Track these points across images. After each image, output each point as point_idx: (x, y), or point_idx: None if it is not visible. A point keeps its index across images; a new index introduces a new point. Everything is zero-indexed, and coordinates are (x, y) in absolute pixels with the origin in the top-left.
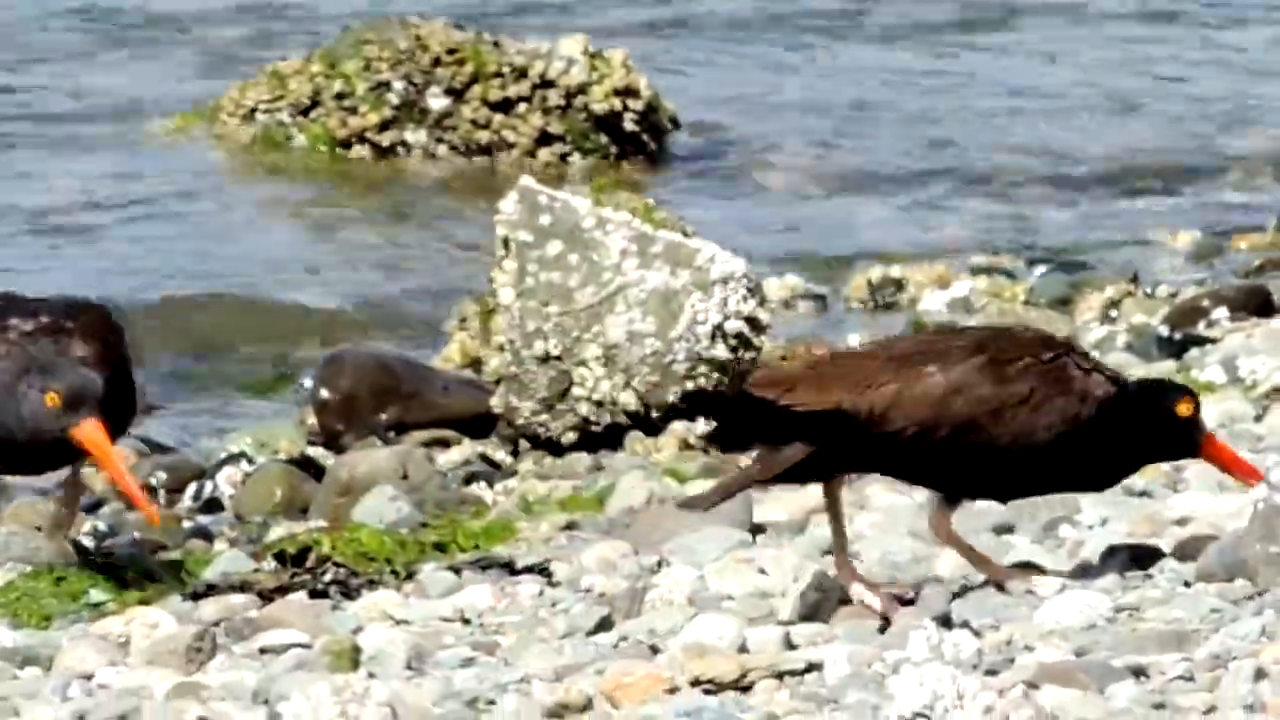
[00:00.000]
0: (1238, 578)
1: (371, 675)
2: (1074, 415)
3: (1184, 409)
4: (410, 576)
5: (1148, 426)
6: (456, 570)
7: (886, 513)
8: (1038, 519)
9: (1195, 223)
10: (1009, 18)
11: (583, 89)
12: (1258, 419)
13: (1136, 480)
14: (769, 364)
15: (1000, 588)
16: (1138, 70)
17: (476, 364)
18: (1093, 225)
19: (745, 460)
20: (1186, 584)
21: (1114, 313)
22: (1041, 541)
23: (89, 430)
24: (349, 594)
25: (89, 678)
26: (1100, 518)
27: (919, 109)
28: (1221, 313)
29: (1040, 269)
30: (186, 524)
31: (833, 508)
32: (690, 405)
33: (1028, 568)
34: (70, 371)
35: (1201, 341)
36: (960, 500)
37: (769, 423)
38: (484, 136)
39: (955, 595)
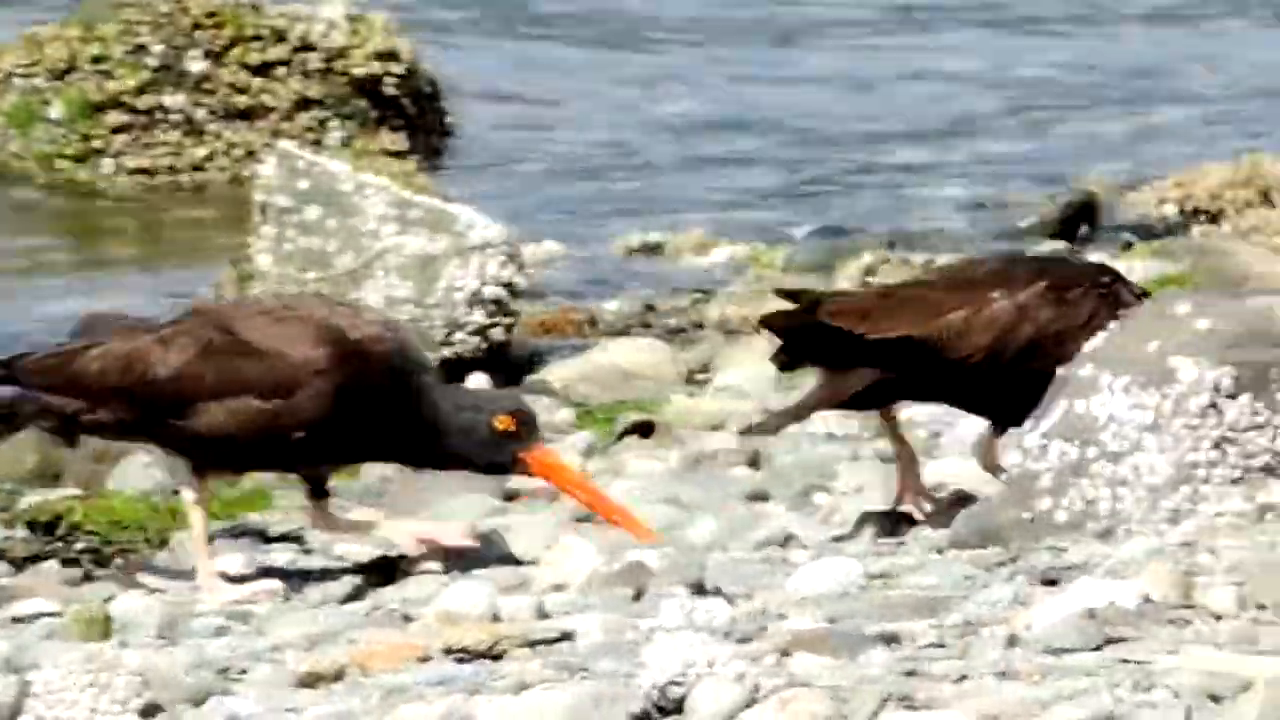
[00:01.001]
0: (990, 544)
1: (123, 644)
2: None
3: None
4: (164, 544)
5: None
6: (209, 538)
7: (643, 479)
8: (793, 486)
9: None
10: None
11: (343, 53)
12: None
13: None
14: (840, 293)
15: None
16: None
17: None
18: (859, 194)
19: None
20: (939, 550)
21: (871, 279)
22: (798, 509)
23: (546, 457)
24: (102, 562)
25: None
26: (855, 485)
27: (690, 89)
28: None
29: (800, 234)
30: None
31: (894, 431)
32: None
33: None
34: (507, 395)
35: None
36: (1014, 428)
37: (839, 349)
38: (243, 101)
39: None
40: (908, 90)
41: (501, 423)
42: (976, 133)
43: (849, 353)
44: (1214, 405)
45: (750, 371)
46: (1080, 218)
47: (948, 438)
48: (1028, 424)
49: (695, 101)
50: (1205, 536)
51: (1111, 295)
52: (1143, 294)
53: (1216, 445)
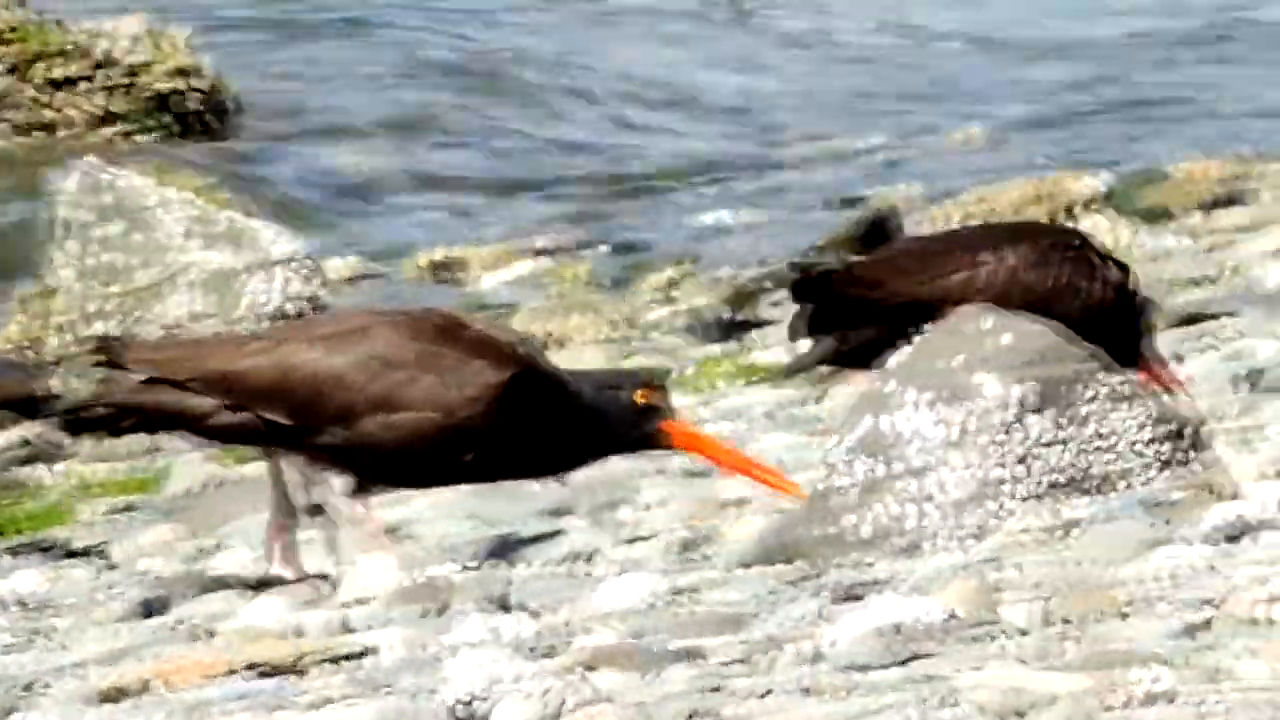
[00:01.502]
0: (794, 559)
1: None
2: (1100, 298)
3: None
4: None
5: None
6: (11, 552)
7: (445, 494)
8: (595, 500)
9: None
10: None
11: (145, 68)
12: (817, 401)
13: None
14: (850, 264)
15: None
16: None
17: (37, 344)
18: (655, 212)
19: None
20: (743, 565)
21: (674, 294)
22: (600, 524)
23: (687, 427)
24: None
25: None
26: (659, 498)
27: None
28: (780, 295)
29: (602, 250)
30: None
31: None
32: None
33: None
34: (630, 370)
35: (761, 323)
36: None
37: (852, 313)
38: (46, 115)
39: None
40: (695, 120)
41: (642, 396)
42: (769, 160)
43: (860, 315)
44: (1017, 421)
45: None
46: (879, 234)
47: (750, 452)
48: (831, 440)
49: (493, 122)
50: (1009, 552)
51: (1082, 256)
52: (1107, 256)
53: (1020, 461)
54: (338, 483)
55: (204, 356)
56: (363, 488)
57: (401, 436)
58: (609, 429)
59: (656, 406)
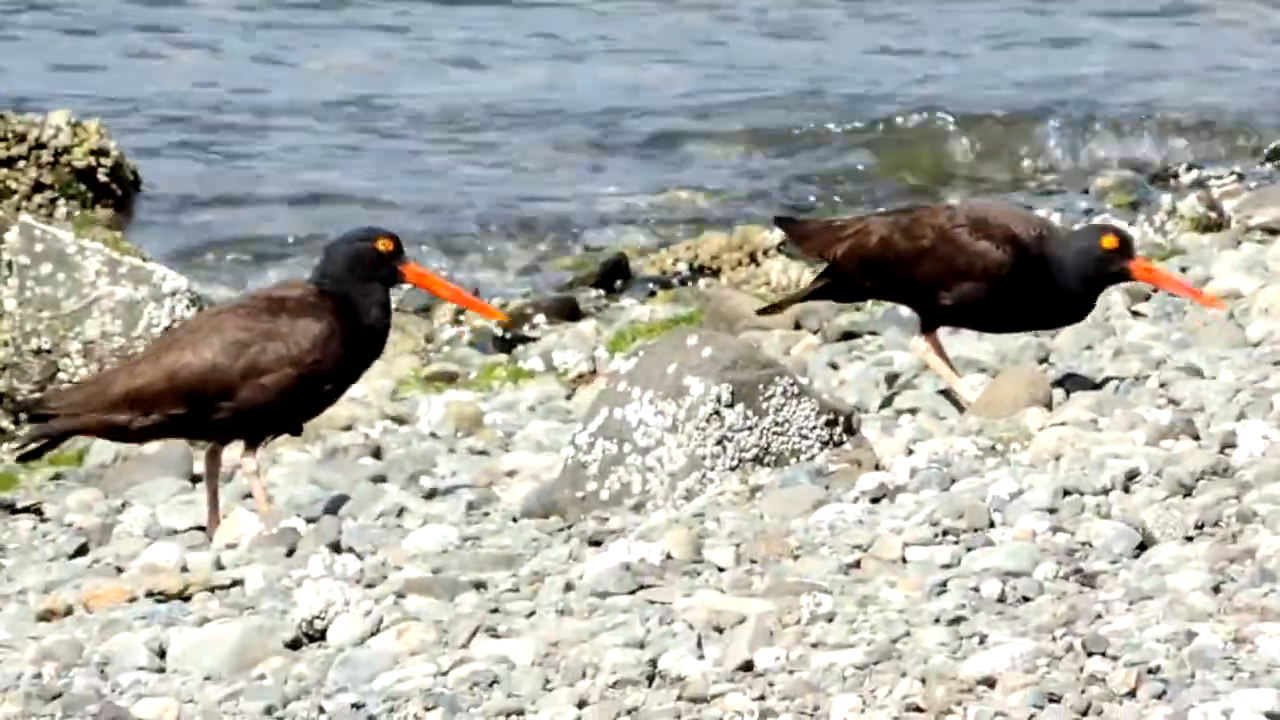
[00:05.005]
0: (551, 515)
1: None
2: (967, 267)
3: (1107, 242)
4: None
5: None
6: None
7: (294, 465)
8: (404, 471)
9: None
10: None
11: (68, 150)
12: (568, 398)
13: (479, 441)
14: (790, 221)
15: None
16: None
17: None
18: (447, 254)
19: None
20: (514, 519)
21: (462, 318)
22: (409, 488)
23: (421, 269)
24: None
25: None
26: (451, 470)
27: None
28: (541, 318)
29: (405, 286)
30: None
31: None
32: None
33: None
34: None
35: (526, 340)
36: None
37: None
38: None
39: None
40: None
41: (384, 245)
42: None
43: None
44: (716, 412)
45: (372, 386)
46: (614, 274)
47: (520, 434)
48: (579, 426)
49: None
50: (711, 510)
51: (960, 226)
52: (988, 235)
53: (719, 442)
54: (233, 451)
55: (110, 382)
56: (250, 447)
57: (270, 397)
58: (361, 274)
59: (397, 252)
